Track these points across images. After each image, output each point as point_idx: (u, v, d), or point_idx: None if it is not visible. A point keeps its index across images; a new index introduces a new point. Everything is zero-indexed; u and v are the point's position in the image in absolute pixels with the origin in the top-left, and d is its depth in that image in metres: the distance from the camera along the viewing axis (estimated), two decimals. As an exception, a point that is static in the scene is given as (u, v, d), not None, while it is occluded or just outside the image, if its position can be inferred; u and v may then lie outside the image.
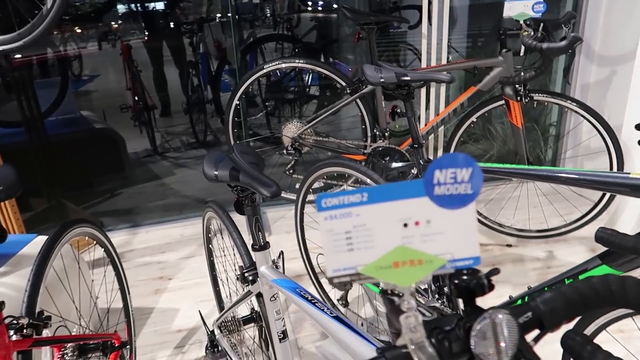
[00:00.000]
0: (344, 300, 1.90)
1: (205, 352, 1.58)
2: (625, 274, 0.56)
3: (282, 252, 1.17)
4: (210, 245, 1.77)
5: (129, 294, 1.85)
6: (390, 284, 0.48)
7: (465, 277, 0.52)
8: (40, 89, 3.39)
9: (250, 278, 1.22)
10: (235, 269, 1.56)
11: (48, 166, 3.11)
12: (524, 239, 2.58)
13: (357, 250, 0.48)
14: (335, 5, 4.42)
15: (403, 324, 0.48)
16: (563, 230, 2.45)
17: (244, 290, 1.34)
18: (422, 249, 0.48)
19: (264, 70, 2.35)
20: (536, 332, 0.53)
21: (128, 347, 1.78)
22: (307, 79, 4.28)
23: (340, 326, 0.80)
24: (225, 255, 1.67)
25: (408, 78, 1.42)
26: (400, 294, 0.55)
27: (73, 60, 4.36)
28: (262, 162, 1.15)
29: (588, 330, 1.10)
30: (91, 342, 1.44)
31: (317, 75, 4.22)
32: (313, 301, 0.90)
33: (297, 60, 2.32)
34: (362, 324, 2.00)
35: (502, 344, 0.47)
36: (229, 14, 2.82)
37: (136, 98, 4.44)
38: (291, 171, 2.47)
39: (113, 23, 4.74)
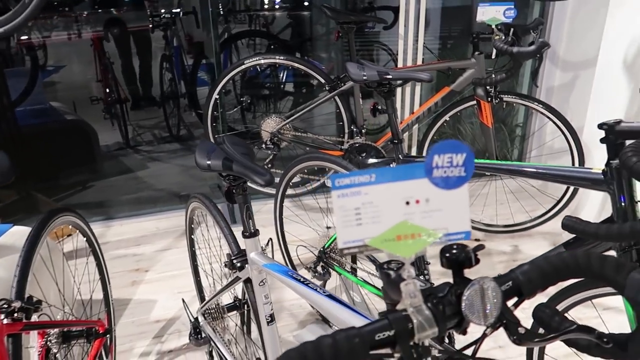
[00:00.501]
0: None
1: (189, 338, 1.61)
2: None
3: (271, 239, 1.22)
4: (192, 236, 1.80)
5: (109, 283, 1.86)
6: (393, 254, 0.54)
7: (455, 251, 0.59)
8: (9, 78, 3.32)
9: (239, 265, 1.27)
10: (220, 259, 1.61)
11: (18, 157, 3.06)
12: (491, 234, 2.70)
13: (365, 224, 0.54)
14: (306, 3, 4.48)
15: (403, 291, 0.54)
16: (528, 225, 2.59)
17: (230, 277, 1.39)
18: (422, 224, 0.54)
19: (244, 66, 2.39)
20: (515, 299, 0.61)
21: (108, 336, 1.80)
22: (282, 75, 4.32)
23: (333, 303, 0.87)
24: (209, 246, 1.71)
25: (390, 76, 1.49)
26: (395, 269, 0.62)
27: (40, 50, 4.27)
28: (252, 152, 1.20)
29: (560, 307, 1.19)
30: (75, 328, 1.45)
31: (292, 72, 4.27)
32: (305, 282, 0.96)
33: (277, 57, 2.37)
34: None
35: (488, 307, 0.55)
36: (209, 9, 2.82)
37: (107, 90, 4.39)
38: (269, 165, 2.51)
39: (84, 12, 4.67)
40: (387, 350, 0.54)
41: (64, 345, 1.46)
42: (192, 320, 1.62)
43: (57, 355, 1.40)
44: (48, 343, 1.38)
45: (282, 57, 2.36)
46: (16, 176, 3.08)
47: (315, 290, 0.92)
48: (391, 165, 1.75)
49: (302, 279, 0.98)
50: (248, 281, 1.26)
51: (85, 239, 1.71)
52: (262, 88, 4.17)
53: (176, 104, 4.41)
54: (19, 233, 2.00)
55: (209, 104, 2.50)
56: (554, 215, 2.53)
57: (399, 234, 0.54)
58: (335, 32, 2.36)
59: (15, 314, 1.13)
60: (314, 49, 4.42)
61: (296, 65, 2.37)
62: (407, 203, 0.54)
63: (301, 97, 4.08)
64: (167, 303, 2.28)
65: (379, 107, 1.72)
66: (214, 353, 1.60)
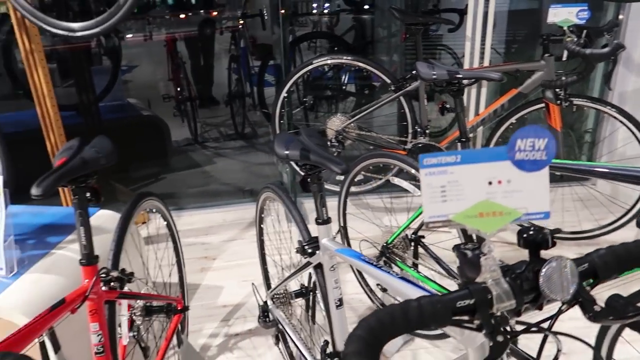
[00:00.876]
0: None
1: (258, 321, 1.71)
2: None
3: (342, 227, 1.29)
4: (262, 225, 1.90)
5: (184, 266, 2.00)
6: (475, 229, 0.59)
7: (532, 233, 0.63)
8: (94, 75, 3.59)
9: (310, 250, 1.34)
10: (288, 248, 1.69)
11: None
12: (557, 240, 2.64)
13: (450, 201, 0.60)
14: (367, 7, 4.54)
15: (483, 265, 0.59)
16: (596, 233, 2.51)
17: (299, 264, 1.47)
18: (503, 203, 0.59)
19: (313, 65, 2.48)
20: (590, 281, 0.64)
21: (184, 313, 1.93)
22: (344, 76, 4.40)
23: (405, 284, 0.92)
24: (278, 234, 1.80)
25: (460, 75, 1.52)
26: (473, 248, 0.67)
27: (119, 50, 4.56)
28: (326, 144, 1.28)
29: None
30: (157, 303, 1.58)
31: (353, 73, 4.35)
32: (378, 265, 1.02)
33: (344, 57, 2.44)
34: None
35: (565, 284, 0.58)
36: (279, 12, 2.94)
37: (178, 89, 4.64)
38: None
39: (160, 16, 4.96)
40: (467, 318, 0.59)
41: (146, 319, 1.60)
42: (261, 304, 1.71)
43: (140, 327, 1.53)
44: (133, 315, 1.51)
45: (349, 58, 2.43)
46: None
47: (388, 272, 0.98)
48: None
49: (374, 262, 1.04)
50: (318, 266, 1.34)
51: (165, 223, 1.85)
52: (324, 88, 4.27)
53: (242, 103, 4.59)
54: (104, 216, 2.19)
55: (277, 102, 2.61)
56: (625, 224, 2.44)
57: (481, 211, 0.59)
58: (402, 34, 2.40)
59: (112, 283, 1.26)
60: (376, 51, 4.47)
61: (363, 65, 2.43)
62: (490, 183, 0.59)
63: (362, 98, 4.14)
64: (234, 290, 2.40)
65: (447, 106, 1.75)
66: (280, 336, 1.69)
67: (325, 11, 4.89)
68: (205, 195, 3.56)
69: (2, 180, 1.74)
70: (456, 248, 0.68)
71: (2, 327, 1.56)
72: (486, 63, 2.49)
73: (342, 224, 2.16)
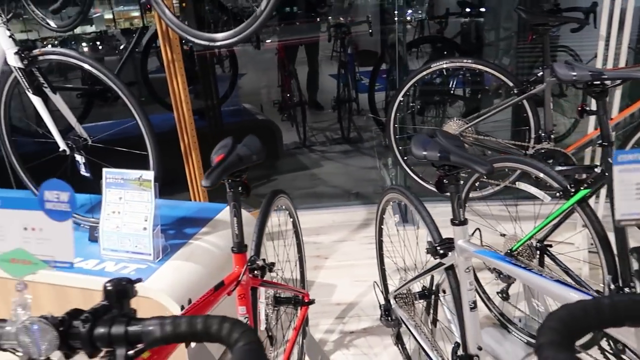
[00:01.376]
0: (505, 294, 1.95)
1: (380, 319, 1.74)
2: None
3: (478, 229, 1.28)
4: (382, 226, 1.93)
5: (305, 262, 2.09)
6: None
7: None
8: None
9: (441, 252, 1.35)
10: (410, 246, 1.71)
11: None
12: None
13: (646, 199, 0.58)
14: (481, 9, 4.41)
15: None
16: None
17: (423, 264, 1.47)
18: None
19: (431, 69, 2.47)
20: None
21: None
22: (452, 80, 4.32)
23: (555, 284, 0.90)
24: (399, 236, 1.82)
25: (605, 76, 1.44)
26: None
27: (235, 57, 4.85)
28: (464, 146, 1.28)
29: None
30: (284, 294, 1.67)
31: (462, 77, 4.26)
32: (525, 266, 1.00)
33: (465, 60, 2.41)
34: (519, 320, 2.03)
35: None
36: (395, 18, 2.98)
37: (288, 94, 4.83)
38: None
39: (272, 25, 5.20)
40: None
41: (275, 308, 1.69)
42: (384, 302, 1.74)
43: (269, 316, 1.63)
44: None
45: (469, 61, 2.39)
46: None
47: (542, 275, 0.96)
48: (595, 169, 1.67)
49: (520, 264, 1.03)
50: (450, 268, 1.34)
51: (291, 220, 1.95)
52: (433, 93, 4.22)
53: (349, 108, 4.68)
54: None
55: (393, 106, 2.63)
56: None
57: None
58: (530, 34, 2.31)
59: (255, 271, 1.35)
60: (488, 54, 4.34)
61: (484, 68, 2.38)
62: (693, 182, 0.57)
63: (473, 102, 4.04)
64: (347, 289, 2.46)
65: (588, 109, 1.66)
66: (401, 335, 1.71)
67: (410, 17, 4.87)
68: (314, 196, 3.67)
69: (153, 175, 1.94)
70: (634, 250, 0.66)
71: (149, 307, 1.74)
72: (622, 64, 2.32)
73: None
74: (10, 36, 1.90)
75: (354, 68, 4.93)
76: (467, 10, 4.57)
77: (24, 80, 1.92)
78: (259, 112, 4.48)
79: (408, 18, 4.91)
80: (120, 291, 0.64)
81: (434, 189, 2.75)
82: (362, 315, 2.26)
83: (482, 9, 4.28)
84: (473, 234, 1.29)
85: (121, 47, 4.19)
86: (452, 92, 4.34)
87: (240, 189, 1.31)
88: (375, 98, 4.50)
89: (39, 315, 0.61)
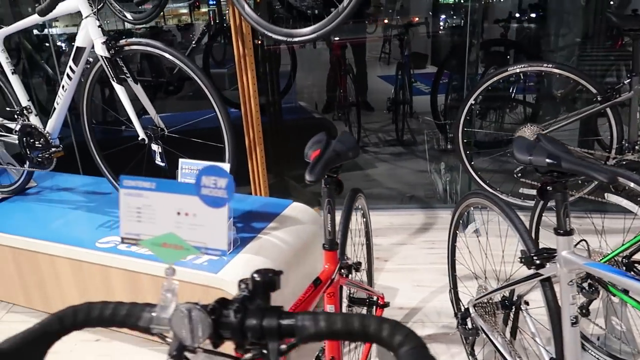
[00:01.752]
0: (585, 309, 1.86)
1: (457, 327, 1.69)
2: None
3: (584, 240, 1.22)
4: (457, 231, 1.88)
5: (373, 264, 2.06)
6: None
7: None
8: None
9: (538, 262, 1.29)
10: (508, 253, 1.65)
11: (277, 146, 3.56)
12: None
13: None
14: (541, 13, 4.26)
15: None
16: None
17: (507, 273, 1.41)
18: None
19: (507, 73, 2.39)
20: None
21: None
22: (514, 86, 4.20)
23: None
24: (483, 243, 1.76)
25: None
26: None
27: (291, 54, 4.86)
28: (572, 152, 1.21)
29: None
30: (358, 295, 1.65)
31: (527, 83, 4.14)
32: (655, 285, 0.94)
33: (544, 65, 2.32)
34: (598, 338, 1.94)
35: None
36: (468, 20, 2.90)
37: (342, 93, 4.81)
38: (519, 174, 2.47)
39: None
40: None
41: (349, 308, 1.67)
42: (461, 310, 1.69)
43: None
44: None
45: (550, 65, 2.30)
46: (274, 162, 3.57)
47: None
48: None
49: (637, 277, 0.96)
50: (547, 279, 1.27)
51: (364, 220, 1.92)
52: (499, 98, 4.11)
53: (404, 110, 4.62)
54: (297, 208, 2.35)
55: (463, 110, 2.57)
56: None
57: None
58: (620, 39, 2.21)
59: (342, 270, 1.33)
60: (553, 59, 4.19)
61: (566, 74, 2.28)
62: None
63: (540, 108, 3.92)
64: (408, 293, 2.41)
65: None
66: (476, 346, 1.65)
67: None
68: (369, 197, 3.62)
69: (229, 167, 1.95)
70: None
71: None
72: None
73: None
74: (99, 26, 1.95)
75: (410, 70, 4.87)
76: (532, 15, 4.44)
77: (109, 69, 1.97)
78: (315, 111, 4.47)
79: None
80: (268, 282, 0.62)
81: (501, 196, 2.68)
82: (426, 321, 2.21)
83: (549, 13, 4.14)
84: (577, 245, 1.23)
85: (193, 41, 4.26)
86: (522, 97, 4.23)
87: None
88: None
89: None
